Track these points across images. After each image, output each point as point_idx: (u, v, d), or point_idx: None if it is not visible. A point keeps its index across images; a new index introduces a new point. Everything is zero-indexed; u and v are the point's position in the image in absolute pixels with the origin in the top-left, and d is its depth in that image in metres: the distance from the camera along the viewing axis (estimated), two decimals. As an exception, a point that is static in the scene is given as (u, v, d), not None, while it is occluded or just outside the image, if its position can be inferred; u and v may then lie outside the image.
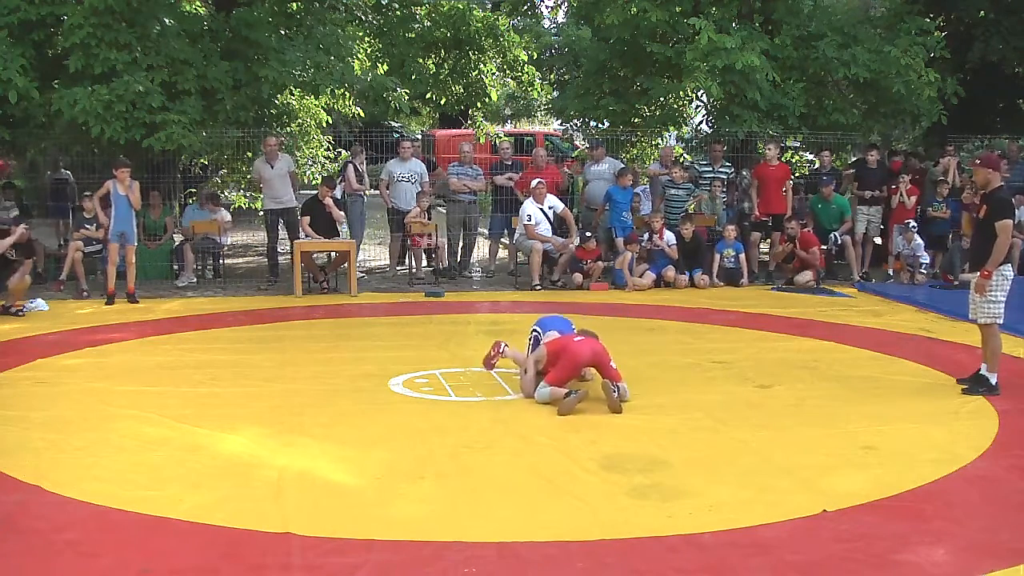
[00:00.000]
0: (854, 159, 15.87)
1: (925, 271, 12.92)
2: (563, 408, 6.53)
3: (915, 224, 13.01)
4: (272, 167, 12.52)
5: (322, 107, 15.34)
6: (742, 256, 12.92)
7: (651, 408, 6.71)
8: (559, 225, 12.82)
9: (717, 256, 12.79)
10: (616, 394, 6.64)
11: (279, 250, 13.07)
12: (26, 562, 4.18)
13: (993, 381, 7.16)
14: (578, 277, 12.28)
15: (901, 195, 13.26)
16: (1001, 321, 7.15)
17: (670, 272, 12.38)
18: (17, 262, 10.13)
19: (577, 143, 20.02)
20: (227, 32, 13.14)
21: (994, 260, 7.04)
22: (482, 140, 16.89)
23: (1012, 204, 7.50)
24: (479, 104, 16.92)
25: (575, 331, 7.26)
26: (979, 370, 7.26)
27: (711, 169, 13.74)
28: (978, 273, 7.18)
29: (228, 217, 13.72)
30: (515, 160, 14.41)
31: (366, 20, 15.94)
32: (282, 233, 12.96)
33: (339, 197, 12.82)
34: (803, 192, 14.03)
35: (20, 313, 9.91)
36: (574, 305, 10.91)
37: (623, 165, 13.74)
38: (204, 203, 13.42)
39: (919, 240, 12.90)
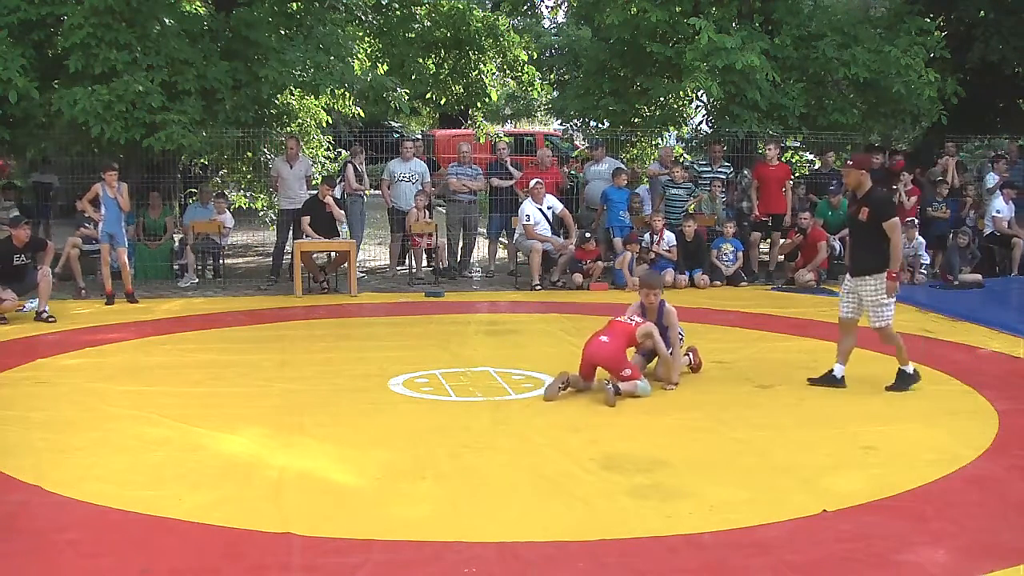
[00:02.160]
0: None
1: (925, 271, 12.93)
2: (545, 392, 6.89)
3: (917, 220, 13.04)
4: (291, 167, 12.66)
5: (322, 107, 15.34)
6: (740, 253, 12.92)
7: (651, 408, 6.71)
8: (558, 225, 12.82)
9: (714, 252, 12.79)
10: (611, 391, 6.71)
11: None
12: (26, 562, 4.18)
13: (910, 370, 7.25)
14: (578, 277, 12.27)
15: (901, 195, 13.27)
16: (891, 323, 7.18)
17: (668, 276, 12.35)
18: (30, 264, 10.10)
19: (577, 143, 20.03)
20: (227, 32, 13.15)
21: (895, 261, 7.07)
22: (482, 140, 16.90)
23: (894, 202, 7.49)
24: (479, 104, 16.92)
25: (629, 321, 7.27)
26: (899, 368, 7.32)
27: (710, 169, 13.75)
28: (863, 276, 7.18)
29: (231, 222, 13.73)
30: (515, 160, 14.42)
31: (366, 20, 15.94)
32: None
33: (338, 197, 12.85)
34: (803, 191, 14.02)
35: (52, 319, 9.75)
36: (574, 305, 10.91)
37: (620, 165, 13.74)
38: (207, 199, 13.40)
39: (920, 239, 12.90)
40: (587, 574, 4.10)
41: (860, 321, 7.36)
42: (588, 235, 12.56)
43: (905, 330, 9.67)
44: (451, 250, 13.55)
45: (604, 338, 7.05)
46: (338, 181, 13.34)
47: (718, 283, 12.66)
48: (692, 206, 13.39)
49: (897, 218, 7.14)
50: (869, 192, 7.27)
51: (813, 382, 7.31)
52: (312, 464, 5.49)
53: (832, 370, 7.31)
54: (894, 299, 7.19)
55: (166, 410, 6.51)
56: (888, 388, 7.22)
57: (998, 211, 13.55)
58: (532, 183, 12.58)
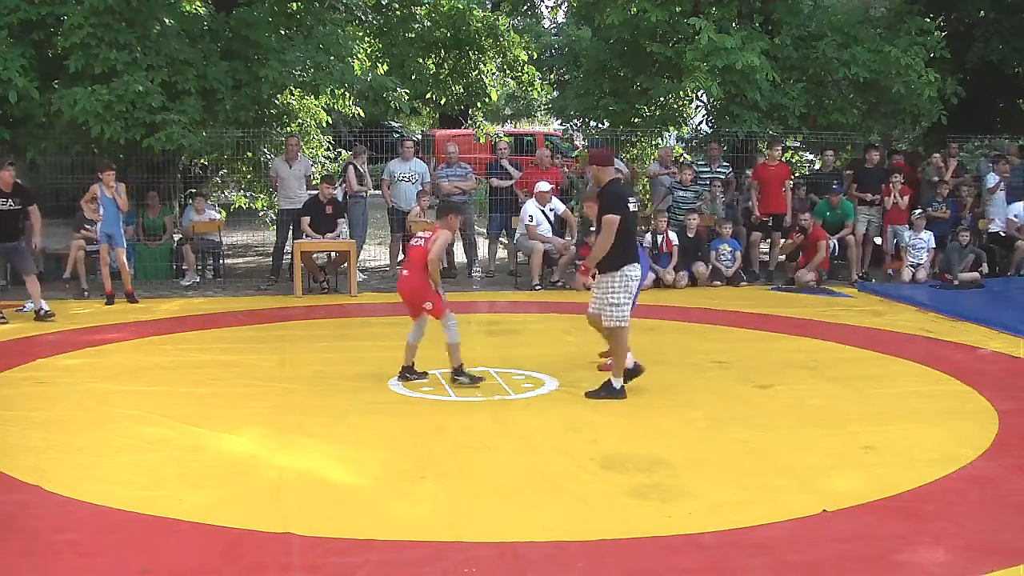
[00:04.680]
0: (852, 159, 15.88)
1: (926, 270, 12.93)
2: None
3: (921, 212, 13.07)
4: (291, 167, 12.67)
5: (322, 107, 15.35)
6: (738, 254, 12.92)
7: (651, 408, 6.72)
8: (560, 226, 12.80)
9: (712, 253, 12.78)
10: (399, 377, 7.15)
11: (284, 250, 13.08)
12: (26, 562, 4.18)
13: (617, 385, 6.90)
14: (589, 280, 12.15)
15: (895, 196, 13.27)
16: (626, 324, 6.89)
17: (668, 277, 12.34)
18: (18, 213, 10.00)
19: (577, 143, 20.04)
20: (227, 32, 13.15)
21: (594, 256, 6.73)
22: (482, 140, 16.88)
23: (624, 199, 6.99)
24: (479, 104, 16.92)
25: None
26: (608, 379, 6.98)
27: (708, 169, 13.74)
28: (600, 273, 6.92)
29: (215, 216, 13.73)
30: (514, 160, 14.40)
31: (366, 20, 15.95)
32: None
33: (340, 199, 12.84)
34: (804, 191, 14.02)
35: (51, 316, 9.75)
36: (574, 305, 10.90)
37: (620, 165, 13.69)
38: (201, 209, 13.43)
39: (930, 233, 12.95)
40: (587, 574, 4.10)
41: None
42: (592, 228, 12.51)
43: (905, 330, 9.75)
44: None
45: (405, 271, 7.26)
46: (339, 183, 13.33)
47: (718, 283, 12.66)
48: (700, 206, 13.36)
49: (615, 215, 6.70)
50: (603, 188, 6.98)
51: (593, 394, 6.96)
52: (312, 464, 5.49)
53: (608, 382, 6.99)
54: (628, 302, 6.86)
55: (166, 410, 6.51)
56: (587, 393, 6.94)
57: (1016, 215, 13.45)
58: (540, 189, 12.50)
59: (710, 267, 12.67)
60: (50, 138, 13.17)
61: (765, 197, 13.35)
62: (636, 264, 6.93)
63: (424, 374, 7.47)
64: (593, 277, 7.10)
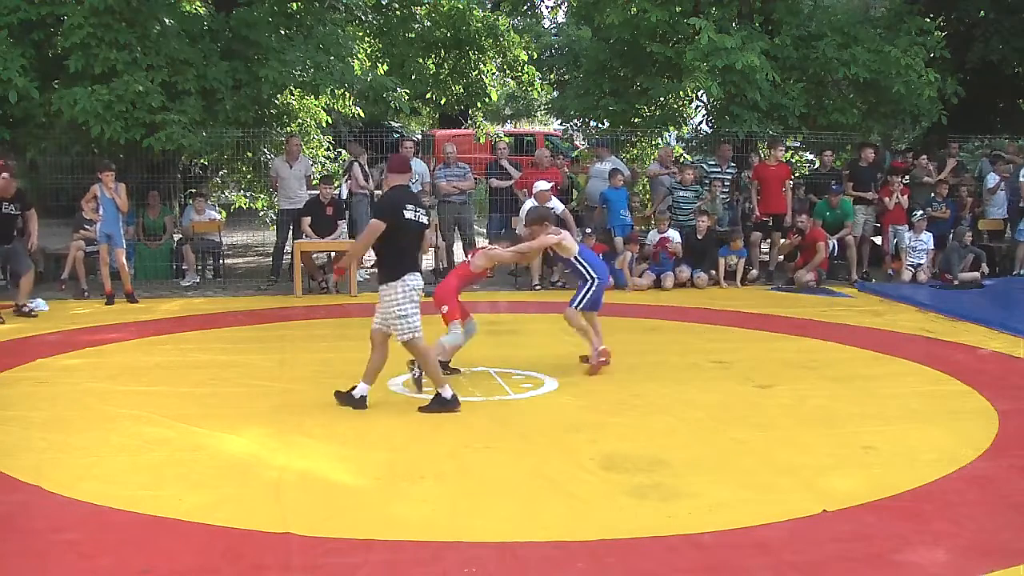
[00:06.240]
0: (850, 159, 15.89)
1: (927, 271, 12.92)
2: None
3: (922, 213, 13.06)
4: (291, 167, 12.67)
5: (322, 107, 15.36)
6: (743, 261, 12.91)
7: (651, 408, 6.71)
8: (559, 226, 12.76)
9: (721, 261, 12.75)
10: (415, 376, 6.97)
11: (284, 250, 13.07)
12: (26, 562, 4.17)
13: (447, 395, 6.51)
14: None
15: (896, 196, 13.26)
16: (419, 335, 6.49)
17: (668, 281, 12.32)
18: (16, 219, 10.13)
19: (577, 143, 20.05)
20: (227, 32, 13.16)
21: (348, 256, 6.63)
22: (482, 140, 16.88)
23: (397, 206, 6.44)
24: (479, 104, 16.93)
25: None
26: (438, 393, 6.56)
27: (719, 170, 13.68)
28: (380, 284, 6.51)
29: (215, 216, 13.73)
30: (514, 160, 14.40)
31: (366, 20, 15.95)
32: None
33: (342, 198, 12.83)
34: (803, 192, 14.02)
35: (33, 314, 9.86)
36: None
37: (615, 166, 13.63)
38: (201, 210, 13.45)
39: (929, 233, 12.95)
40: (587, 574, 4.10)
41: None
42: (589, 230, 12.49)
43: (905, 330, 9.75)
44: (447, 252, 13.52)
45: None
46: (344, 180, 13.31)
47: (725, 284, 12.60)
48: (701, 206, 13.36)
49: (379, 221, 6.34)
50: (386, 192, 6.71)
51: (339, 396, 6.68)
52: (312, 464, 5.49)
53: (354, 388, 6.63)
54: (416, 313, 6.45)
55: (166, 410, 6.51)
56: (421, 409, 6.56)
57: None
58: (542, 187, 12.46)
59: (721, 273, 12.69)
60: (50, 138, 13.18)
61: (765, 197, 13.35)
62: (417, 273, 6.52)
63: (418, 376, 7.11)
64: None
